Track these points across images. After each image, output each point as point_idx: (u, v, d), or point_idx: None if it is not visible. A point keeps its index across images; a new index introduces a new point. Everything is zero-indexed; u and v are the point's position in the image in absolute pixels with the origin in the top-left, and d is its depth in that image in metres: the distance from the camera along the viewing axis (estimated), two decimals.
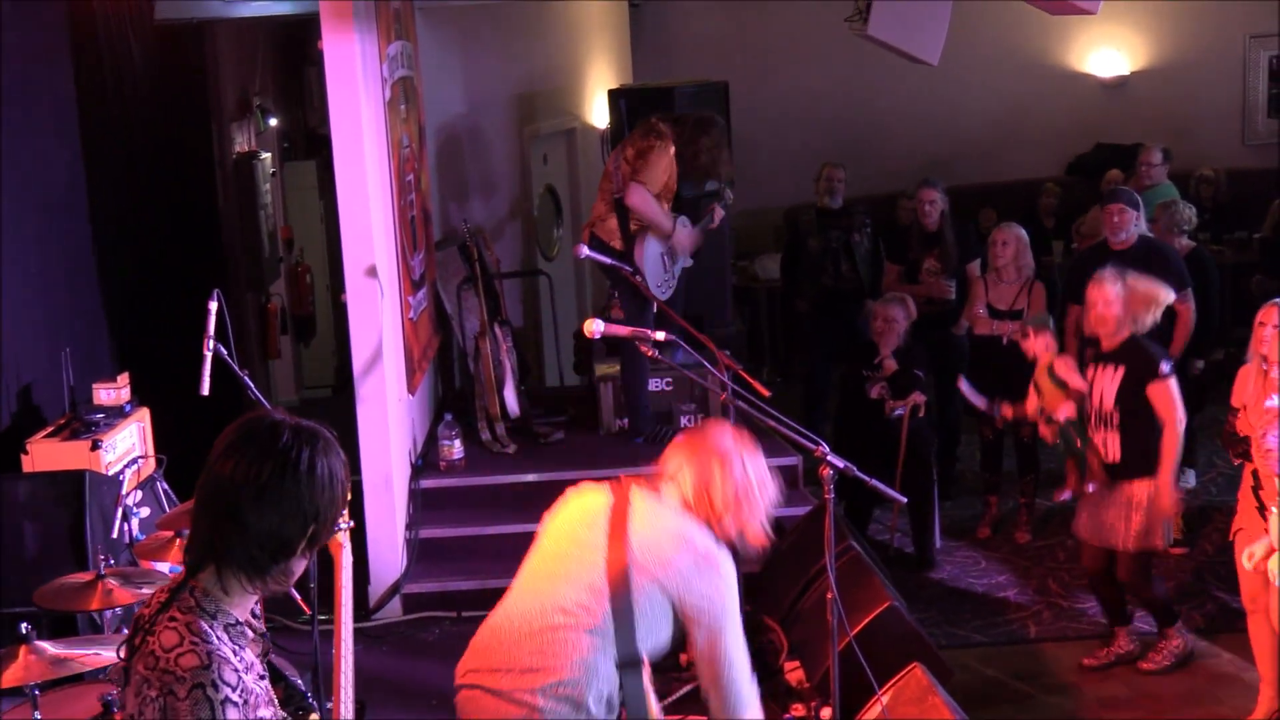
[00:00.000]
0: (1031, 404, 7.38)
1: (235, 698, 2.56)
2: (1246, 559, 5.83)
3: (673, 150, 8.38)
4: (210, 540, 2.69)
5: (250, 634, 2.74)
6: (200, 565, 2.71)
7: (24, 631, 4.11)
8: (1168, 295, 6.69)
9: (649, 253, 8.39)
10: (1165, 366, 6.41)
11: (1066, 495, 7.17)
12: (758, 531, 4.22)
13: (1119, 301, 6.53)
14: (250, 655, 2.69)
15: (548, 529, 4.34)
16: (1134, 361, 6.44)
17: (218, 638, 2.63)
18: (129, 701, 2.66)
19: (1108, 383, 6.51)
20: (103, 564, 4.98)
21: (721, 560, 4.12)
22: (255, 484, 2.65)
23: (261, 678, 2.71)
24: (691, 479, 4.18)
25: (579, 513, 4.28)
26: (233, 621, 2.70)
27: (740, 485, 4.18)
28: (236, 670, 2.59)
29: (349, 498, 2.82)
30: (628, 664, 4.05)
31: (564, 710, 3.99)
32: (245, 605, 2.75)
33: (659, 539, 4.11)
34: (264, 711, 2.67)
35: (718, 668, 4.11)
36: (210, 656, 2.57)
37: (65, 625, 5.66)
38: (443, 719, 6.66)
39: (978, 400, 8.14)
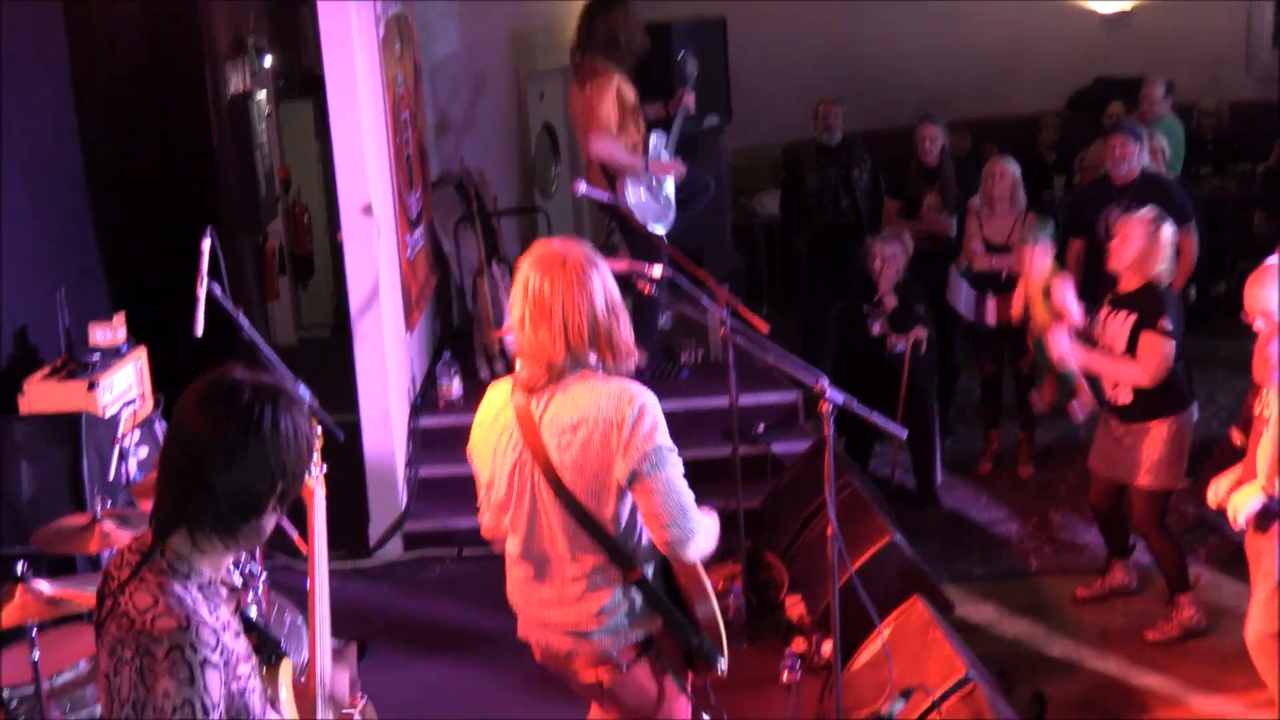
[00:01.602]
0: (1018, 307, 7.32)
1: (215, 659, 2.54)
2: (1212, 496, 5.67)
3: (615, 78, 8.19)
4: (178, 504, 2.66)
5: (224, 592, 2.72)
6: (170, 529, 2.68)
7: (19, 572, 4.09)
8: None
9: (630, 192, 8.27)
10: (1168, 324, 6.28)
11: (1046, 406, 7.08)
12: (629, 341, 3.96)
13: (1142, 240, 6.39)
14: (226, 613, 2.67)
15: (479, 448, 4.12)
16: (1144, 308, 6.34)
17: (193, 598, 2.60)
18: (103, 660, 2.64)
19: (1120, 327, 6.42)
20: (100, 505, 4.96)
21: (639, 399, 3.87)
22: (220, 445, 2.62)
23: (238, 635, 2.69)
24: (553, 339, 3.87)
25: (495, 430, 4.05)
26: (206, 581, 2.67)
27: (587, 309, 3.86)
28: (214, 630, 2.57)
29: (315, 450, 2.79)
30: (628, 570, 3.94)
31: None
32: (218, 564, 2.72)
33: (581, 446, 3.87)
34: (243, 668, 2.65)
35: (664, 501, 3.84)
36: (188, 619, 2.55)
37: (64, 567, 5.66)
38: (444, 656, 6.70)
39: (968, 311, 8.13)
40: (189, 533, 2.66)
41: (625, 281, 6.63)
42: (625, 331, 3.95)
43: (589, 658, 3.98)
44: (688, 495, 3.86)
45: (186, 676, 2.49)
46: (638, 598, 3.94)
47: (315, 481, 3.34)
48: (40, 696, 4.07)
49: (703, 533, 3.90)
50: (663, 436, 3.85)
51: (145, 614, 2.55)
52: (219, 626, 2.59)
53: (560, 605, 3.99)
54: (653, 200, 8.35)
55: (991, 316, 8.00)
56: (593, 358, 3.92)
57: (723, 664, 4.02)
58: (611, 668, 3.98)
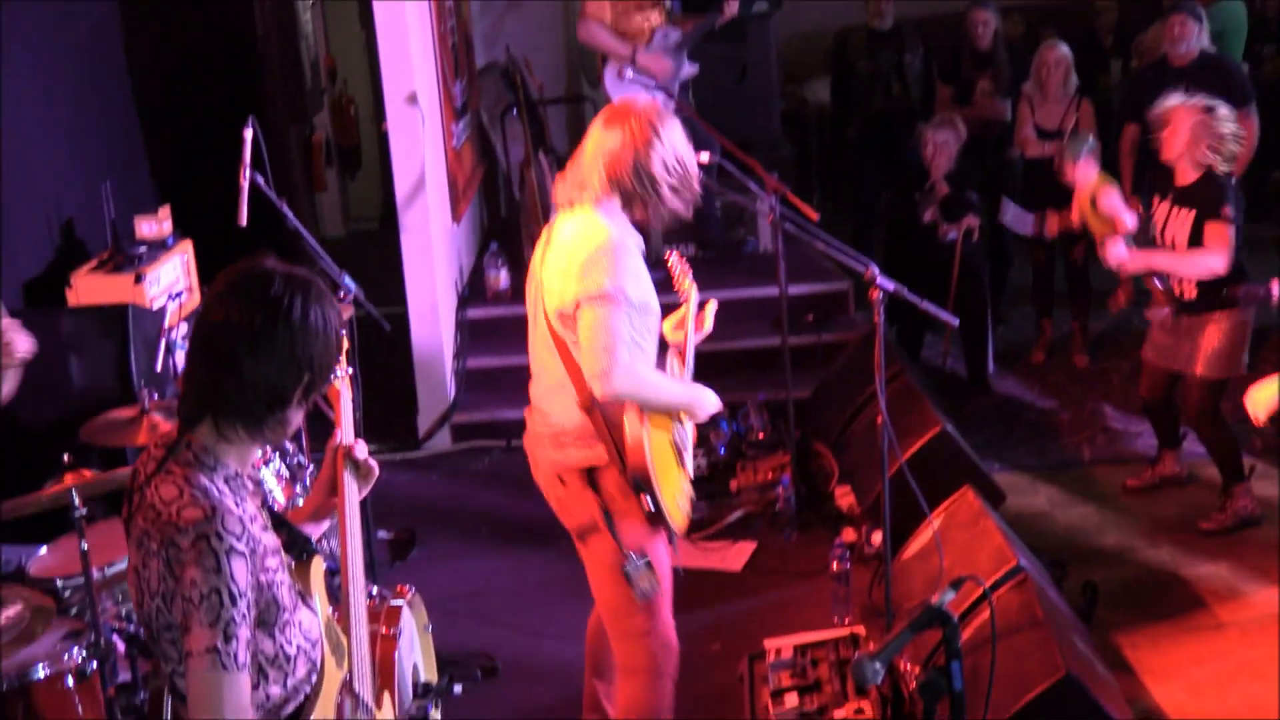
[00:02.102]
0: (1077, 215, 7.20)
1: (240, 547, 2.52)
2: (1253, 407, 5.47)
3: None
4: (205, 393, 2.64)
5: (250, 485, 2.70)
6: (196, 419, 2.66)
7: (66, 461, 4.09)
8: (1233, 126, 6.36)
9: (609, 78, 8.12)
10: (1230, 211, 6.13)
11: (1122, 302, 6.91)
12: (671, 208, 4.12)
13: (1191, 129, 6.24)
14: (252, 507, 2.66)
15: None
16: (1204, 200, 6.18)
17: (218, 490, 2.59)
18: (132, 555, 2.63)
19: (1180, 225, 6.26)
20: (147, 398, 4.95)
21: (599, 247, 4.00)
22: (247, 334, 2.60)
23: (265, 528, 2.67)
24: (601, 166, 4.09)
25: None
26: (231, 473, 2.66)
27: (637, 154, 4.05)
28: (240, 520, 2.55)
29: (344, 345, 2.76)
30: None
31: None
32: (244, 457, 2.70)
33: (554, 267, 4.10)
34: (271, 560, 2.64)
35: (593, 330, 3.95)
36: (213, 509, 2.53)
37: (113, 459, 5.67)
38: (492, 546, 6.72)
39: (1024, 227, 7.99)
40: (214, 424, 2.64)
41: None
42: (667, 199, 4.10)
43: (544, 465, 4.23)
44: (615, 338, 3.93)
45: (213, 565, 2.48)
46: (584, 424, 4.09)
47: (342, 384, 3.31)
48: (90, 587, 4.09)
49: (629, 375, 3.95)
50: (611, 279, 3.94)
51: (170, 505, 2.54)
52: (245, 518, 2.57)
53: (532, 414, 4.29)
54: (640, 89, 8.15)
55: (1052, 227, 7.82)
56: (621, 199, 4.11)
57: (649, 502, 4.06)
58: (557, 481, 4.20)
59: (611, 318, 3.93)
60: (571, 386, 4.09)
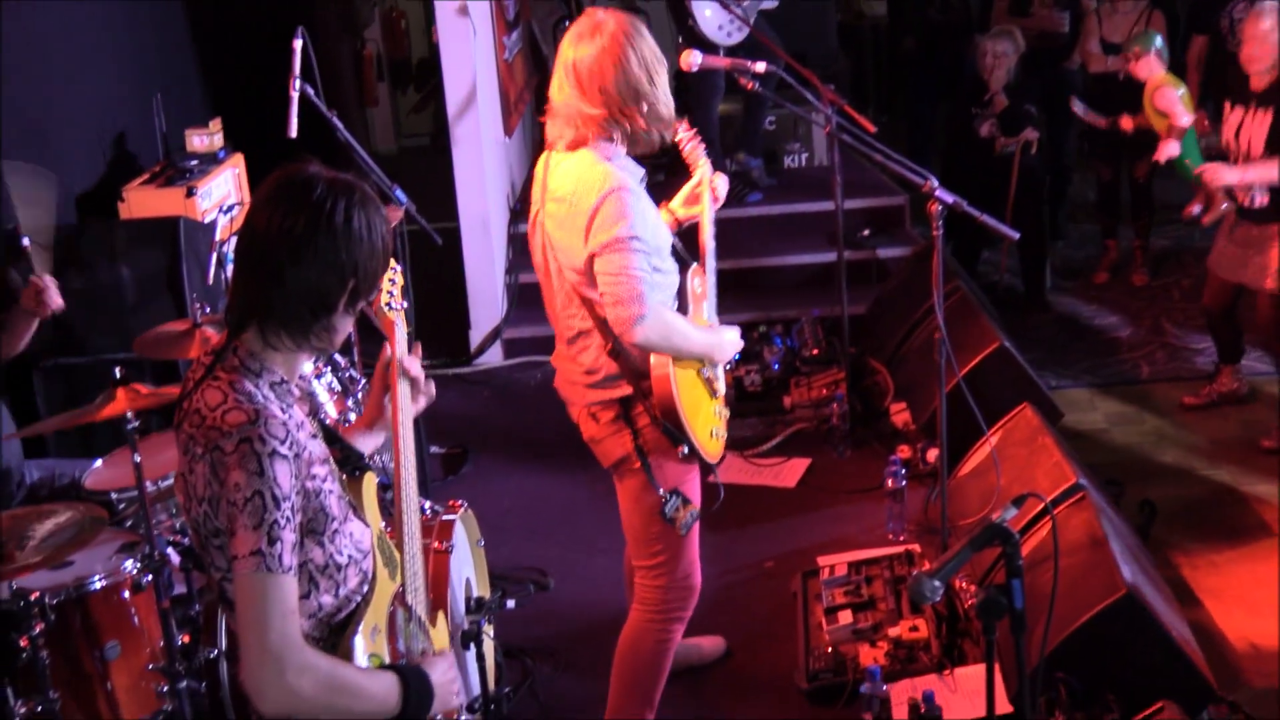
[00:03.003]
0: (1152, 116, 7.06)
1: (284, 451, 2.50)
2: None
3: None
4: (250, 299, 2.62)
5: (297, 392, 2.67)
6: (243, 325, 2.63)
7: (118, 375, 4.09)
8: None
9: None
10: None
11: (1195, 209, 6.75)
12: (667, 102, 4.01)
13: (1272, 38, 6.10)
14: (299, 414, 2.63)
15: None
16: None
17: (263, 395, 2.56)
18: (180, 461, 2.61)
19: (1257, 127, 6.12)
20: (198, 311, 4.94)
21: (604, 194, 3.90)
22: (291, 238, 2.56)
23: (313, 436, 2.65)
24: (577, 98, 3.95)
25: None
26: (278, 379, 2.63)
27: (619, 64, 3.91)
28: (285, 425, 2.53)
29: (391, 257, 2.71)
30: None
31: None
32: (291, 364, 2.67)
33: (559, 220, 4.02)
34: (319, 469, 2.61)
35: (614, 281, 3.88)
36: (256, 413, 2.51)
37: (165, 372, 5.68)
38: (543, 463, 6.71)
39: (1096, 118, 7.83)
40: (260, 329, 2.62)
41: (730, 80, 6.49)
42: (660, 103, 3.99)
43: (578, 404, 4.22)
44: (640, 283, 3.86)
45: (255, 468, 2.47)
46: (613, 367, 4.06)
47: (396, 315, 3.27)
48: (144, 500, 4.10)
49: (654, 324, 3.89)
50: (625, 227, 3.86)
51: (215, 410, 2.52)
52: (291, 423, 2.55)
53: (561, 360, 4.24)
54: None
55: (1127, 123, 7.65)
56: (616, 132, 3.99)
57: (684, 449, 4.07)
58: (590, 419, 4.19)
59: (629, 265, 3.87)
60: (597, 334, 4.05)
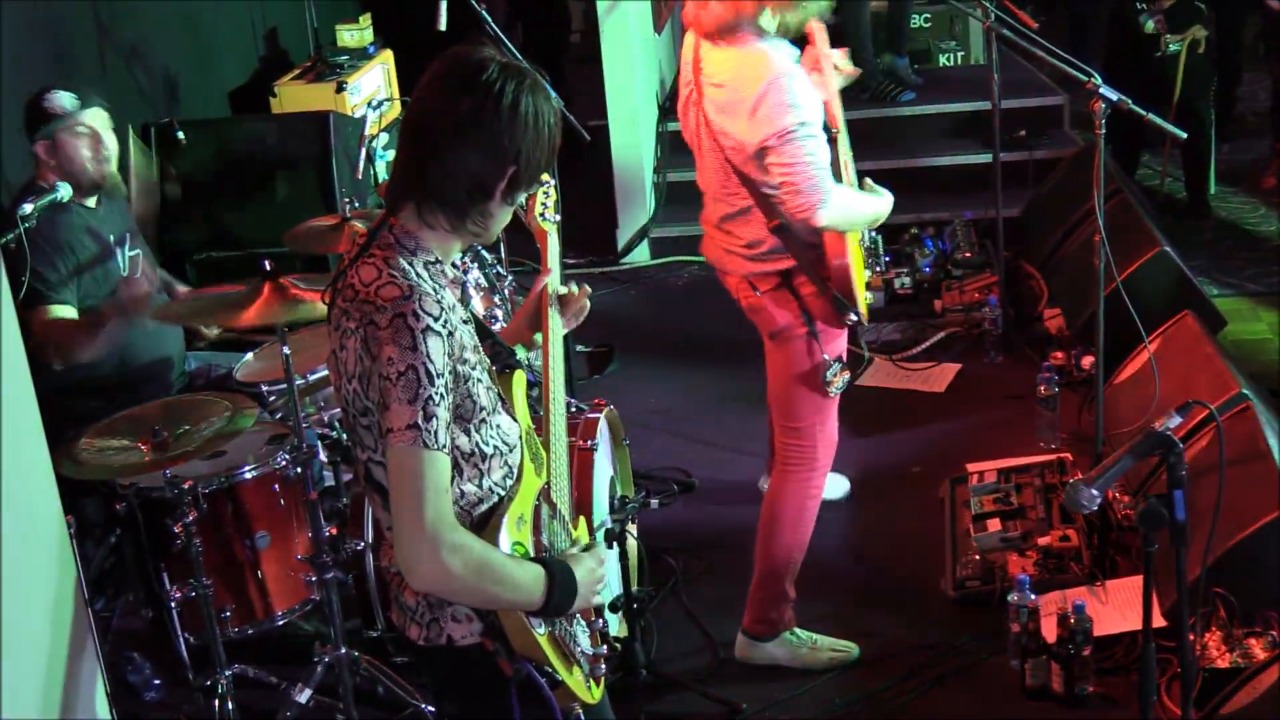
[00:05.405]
0: None
1: (438, 328, 2.48)
2: None
3: None
4: (409, 176, 2.59)
5: (449, 274, 2.65)
6: (400, 203, 2.61)
7: (267, 268, 4.10)
8: None
9: None
10: None
11: None
12: None
13: None
14: (450, 296, 2.60)
15: None
16: None
17: (417, 273, 2.54)
18: (331, 338, 2.60)
19: None
20: (347, 206, 4.95)
21: (769, 81, 3.93)
22: (456, 117, 2.52)
23: (465, 321, 2.62)
24: None
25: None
26: (433, 259, 2.61)
27: None
28: (439, 303, 2.51)
29: (556, 152, 2.65)
30: None
31: None
32: (445, 247, 2.64)
33: (720, 106, 4.08)
34: (470, 355, 2.59)
35: (791, 171, 3.95)
36: (411, 288, 2.49)
37: (315, 267, 5.73)
38: (690, 362, 6.68)
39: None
40: (416, 208, 2.60)
41: None
42: None
43: (735, 279, 4.30)
44: (816, 169, 3.94)
45: (409, 343, 2.45)
46: (775, 241, 4.13)
47: (550, 226, 3.25)
48: (294, 392, 4.13)
49: (834, 207, 3.98)
50: (793, 115, 3.91)
51: (369, 286, 2.51)
52: (444, 303, 2.53)
53: (715, 233, 4.33)
54: None
55: None
56: (768, 18, 4.02)
57: (853, 316, 4.19)
58: (749, 288, 4.26)
59: (803, 153, 3.93)
60: (758, 211, 4.12)
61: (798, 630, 4.57)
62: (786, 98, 3.90)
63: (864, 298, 4.29)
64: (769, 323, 4.28)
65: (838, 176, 4.17)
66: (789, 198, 3.97)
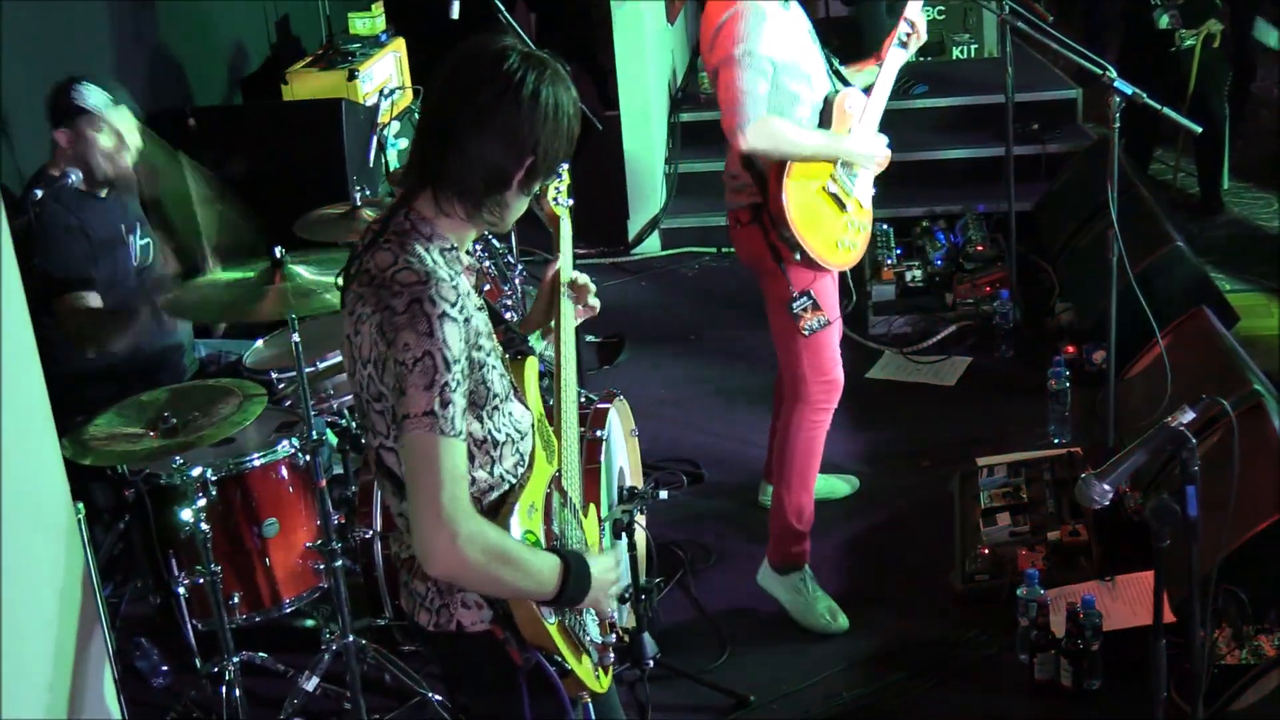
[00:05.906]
0: None
1: (454, 314, 2.48)
2: None
3: None
4: (428, 161, 2.59)
5: (465, 261, 2.64)
6: (417, 189, 2.61)
7: (278, 256, 4.10)
8: None
9: None
10: None
11: None
12: None
13: None
14: (466, 283, 2.59)
15: None
16: None
17: (433, 259, 2.54)
18: (345, 323, 2.60)
19: None
20: (358, 194, 4.95)
21: (730, 14, 4.23)
22: (473, 106, 2.52)
23: (480, 308, 2.61)
24: None
25: None
26: (448, 246, 2.60)
27: None
28: (455, 289, 2.50)
29: (575, 139, 2.64)
30: None
31: None
32: (461, 234, 2.63)
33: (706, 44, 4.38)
34: (485, 342, 2.58)
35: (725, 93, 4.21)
36: (427, 274, 2.48)
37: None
38: (700, 353, 6.67)
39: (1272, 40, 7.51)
40: (434, 195, 2.59)
41: None
42: None
43: (730, 212, 4.54)
44: (746, 95, 4.19)
45: (426, 329, 2.44)
46: (746, 173, 4.38)
47: (563, 211, 3.25)
48: (303, 379, 4.12)
49: (761, 134, 4.21)
50: (740, 45, 4.18)
51: (386, 271, 2.51)
52: (460, 289, 2.52)
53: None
54: None
55: None
56: None
57: (797, 256, 4.35)
58: (734, 222, 4.52)
59: (739, 78, 4.17)
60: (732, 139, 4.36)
61: (808, 579, 4.69)
62: (740, 27, 4.18)
63: (836, 246, 4.43)
64: (748, 255, 4.51)
65: (826, 122, 4.38)
66: (723, 118, 4.24)
